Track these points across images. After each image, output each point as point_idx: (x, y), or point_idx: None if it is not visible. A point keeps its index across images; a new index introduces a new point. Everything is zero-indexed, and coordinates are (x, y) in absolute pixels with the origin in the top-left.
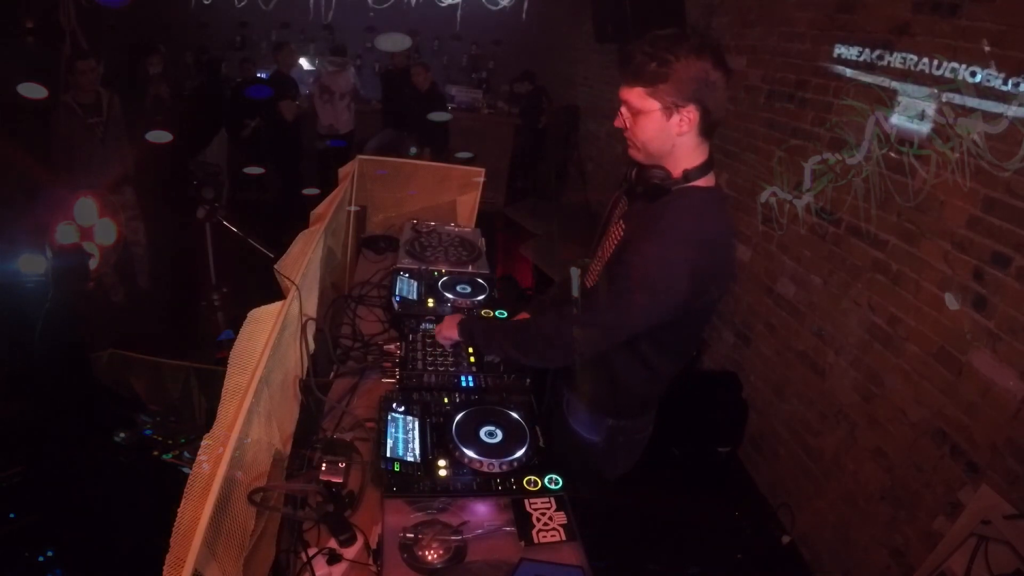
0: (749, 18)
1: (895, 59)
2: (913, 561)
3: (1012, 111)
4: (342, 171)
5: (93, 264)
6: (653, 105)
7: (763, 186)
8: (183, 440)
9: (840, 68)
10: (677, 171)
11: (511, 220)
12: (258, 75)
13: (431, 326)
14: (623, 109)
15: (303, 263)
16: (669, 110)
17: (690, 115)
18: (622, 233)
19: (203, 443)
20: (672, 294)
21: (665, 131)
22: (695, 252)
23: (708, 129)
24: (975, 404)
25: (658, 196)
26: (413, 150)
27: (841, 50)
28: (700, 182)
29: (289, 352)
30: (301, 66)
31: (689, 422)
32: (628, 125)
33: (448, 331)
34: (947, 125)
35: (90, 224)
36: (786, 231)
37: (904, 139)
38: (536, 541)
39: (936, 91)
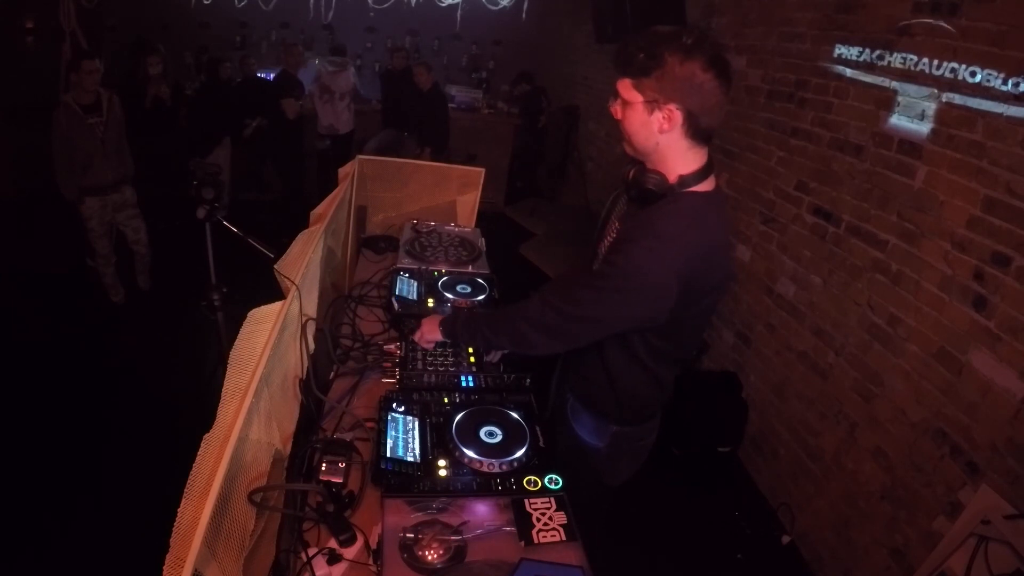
0: (749, 18)
1: (895, 59)
2: (913, 561)
3: (1012, 111)
4: (342, 171)
5: None
6: (637, 97)
7: (763, 186)
8: None
9: (840, 68)
10: (672, 176)
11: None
12: (259, 75)
13: None
14: (615, 98)
15: (303, 263)
16: (650, 105)
17: (671, 115)
18: (616, 234)
19: (203, 443)
20: (654, 298)
21: (647, 126)
22: (682, 259)
23: (698, 134)
24: (975, 404)
25: (651, 201)
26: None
27: (841, 50)
28: (697, 188)
29: (289, 352)
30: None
31: (689, 422)
32: (619, 116)
33: (430, 334)
34: (947, 125)
35: None
36: (786, 231)
37: (904, 139)
38: (536, 541)
39: (936, 91)
